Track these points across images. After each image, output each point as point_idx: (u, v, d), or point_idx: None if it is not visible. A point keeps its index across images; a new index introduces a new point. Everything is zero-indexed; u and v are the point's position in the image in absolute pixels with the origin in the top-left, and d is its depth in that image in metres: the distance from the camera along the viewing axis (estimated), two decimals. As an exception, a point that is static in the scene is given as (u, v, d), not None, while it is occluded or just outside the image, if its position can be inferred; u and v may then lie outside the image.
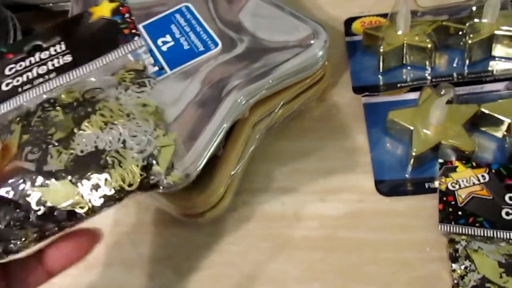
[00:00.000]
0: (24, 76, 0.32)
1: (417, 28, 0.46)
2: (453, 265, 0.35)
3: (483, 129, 0.42)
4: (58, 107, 0.30)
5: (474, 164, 0.39)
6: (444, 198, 0.38)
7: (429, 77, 0.45)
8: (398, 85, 0.45)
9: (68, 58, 0.33)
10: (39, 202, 0.27)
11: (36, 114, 0.30)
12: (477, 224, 0.36)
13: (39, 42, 0.35)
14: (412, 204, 0.40)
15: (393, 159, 0.43)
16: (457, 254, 0.36)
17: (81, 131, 0.29)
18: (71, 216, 0.27)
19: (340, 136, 0.45)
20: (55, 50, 0.33)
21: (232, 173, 0.40)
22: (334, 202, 0.41)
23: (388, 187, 0.41)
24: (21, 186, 0.27)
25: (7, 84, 0.32)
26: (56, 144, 0.28)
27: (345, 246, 0.39)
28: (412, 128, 0.41)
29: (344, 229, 0.40)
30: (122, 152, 0.28)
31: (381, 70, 0.47)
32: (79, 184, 0.27)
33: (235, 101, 0.41)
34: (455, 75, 0.45)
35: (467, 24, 0.45)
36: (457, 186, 0.38)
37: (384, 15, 0.52)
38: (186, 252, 0.41)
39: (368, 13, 0.53)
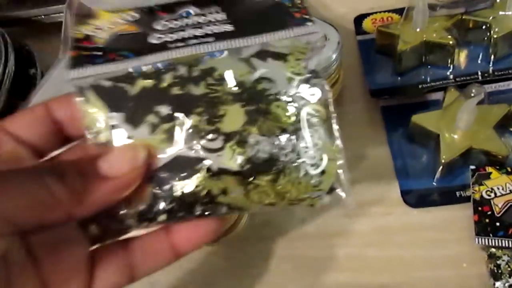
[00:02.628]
0: (178, 34, 0.27)
1: (436, 24, 0.43)
2: (496, 283, 0.32)
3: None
4: (227, 92, 0.25)
5: (509, 169, 0.36)
6: (479, 208, 0.35)
7: (451, 77, 0.42)
8: (420, 86, 0.42)
9: (229, 27, 0.27)
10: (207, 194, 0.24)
11: (198, 85, 0.25)
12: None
13: (193, 8, 0.29)
14: (443, 216, 0.37)
15: (418, 166, 0.40)
16: (500, 271, 0.33)
17: (255, 131, 0.24)
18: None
19: (359, 144, 0.42)
20: (214, 18, 0.28)
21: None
22: (359, 217, 0.39)
23: (416, 197, 0.38)
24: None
25: (158, 38, 0.27)
26: (227, 138, 0.24)
27: (374, 265, 0.36)
28: (438, 132, 0.38)
29: (372, 246, 0.37)
30: (297, 166, 0.24)
31: (399, 71, 0.44)
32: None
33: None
34: (479, 73, 0.42)
35: (491, 18, 0.42)
36: (492, 195, 0.36)
37: (396, 11, 0.49)
38: (203, 278, 0.38)
39: (378, 9, 0.50)
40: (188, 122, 0.24)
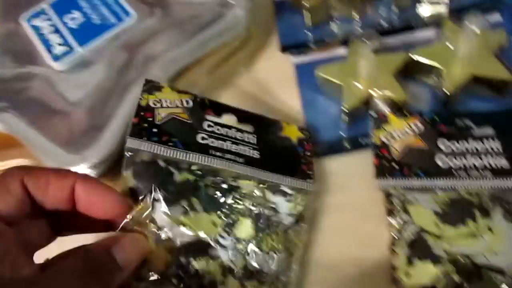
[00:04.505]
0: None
1: (341, -22, 0.44)
2: (391, 220, 0.34)
3: (416, 77, 0.40)
4: (245, 208, 0.33)
5: (406, 114, 0.38)
6: (379, 152, 0.37)
7: (358, 29, 0.43)
8: (326, 39, 0.43)
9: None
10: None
11: (226, 196, 0.33)
12: (412, 175, 0.35)
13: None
14: (349, 163, 0.39)
15: (327, 118, 0.41)
16: (394, 209, 0.34)
17: (256, 245, 0.32)
18: None
19: (272, 100, 0.43)
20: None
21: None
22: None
23: (324, 147, 0.40)
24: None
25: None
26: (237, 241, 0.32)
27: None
28: (341, 83, 0.39)
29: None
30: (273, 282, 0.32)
31: (308, 26, 0.44)
32: None
33: (151, 75, 0.38)
34: (384, 23, 0.43)
35: (391, -31, 0.42)
36: (390, 138, 0.37)
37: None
38: None
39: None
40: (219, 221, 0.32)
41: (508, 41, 0.39)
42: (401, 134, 0.37)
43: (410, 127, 0.37)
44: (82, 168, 0.34)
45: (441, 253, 0.31)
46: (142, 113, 0.33)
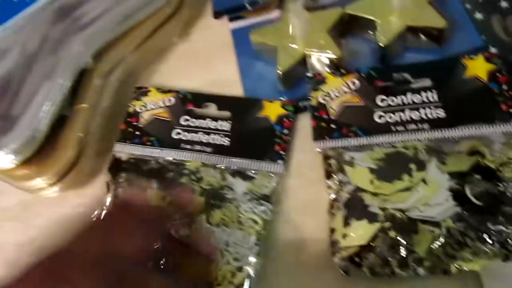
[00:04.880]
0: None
1: None
2: (328, 181, 0.33)
3: (354, 33, 0.39)
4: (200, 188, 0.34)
5: (343, 71, 0.36)
6: (316, 114, 0.35)
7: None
8: (261, 1, 0.41)
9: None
10: None
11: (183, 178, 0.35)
12: (351, 134, 0.33)
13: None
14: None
15: (266, 84, 0.39)
16: (331, 170, 0.33)
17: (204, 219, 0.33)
18: None
19: (211, 69, 0.41)
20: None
21: (80, 134, 0.35)
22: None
23: (264, 114, 0.38)
24: None
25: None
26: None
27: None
28: (276, 45, 0.37)
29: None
30: (224, 253, 0.31)
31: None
32: None
33: (72, 52, 0.36)
34: (318, -20, 0.41)
35: None
36: (328, 98, 0.35)
37: None
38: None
39: None
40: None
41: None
42: (338, 93, 0.35)
43: (347, 85, 0.35)
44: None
45: (377, 210, 0.30)
46: (128, 119, 0.38)
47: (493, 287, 0.28)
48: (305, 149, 0.35)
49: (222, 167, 0.35)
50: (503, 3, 0.37)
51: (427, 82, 0.34)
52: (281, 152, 0.35)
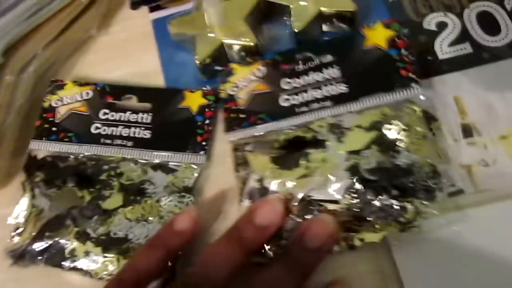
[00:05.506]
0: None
1: None
2: (237, 174, 0.33)
3: (272, 20, 0.39)
4: (119, 183, 0.34)
5: (249, 60, 0.36)
6: (226, 106, 0.35)
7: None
8: (177, -10, 0.41)
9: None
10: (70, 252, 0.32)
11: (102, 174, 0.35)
12: (258, 122, 0.34)
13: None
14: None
15: (188, 74, 0.39)
16: (238, 160, 0.33)
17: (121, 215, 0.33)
18: None
19: (132, 62, 0.40)
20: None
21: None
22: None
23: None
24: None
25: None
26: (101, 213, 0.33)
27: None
28: (194, 34, 0.37)
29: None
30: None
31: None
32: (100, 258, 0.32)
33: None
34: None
35: None
36: (236, 89, 0.35)
37: None
38: None
39: None
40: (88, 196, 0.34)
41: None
42: (246, 82, 0.35)
43: (254, 73, 0.35)
44: None
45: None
46: (44, 115, 0.36)
47: (402, 256, 0.29)
48: (223, 140, 0.35)
49: (143, 161, 0.34)
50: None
51: (328, 58, 0.35)
52: (203, 143, 0.35)
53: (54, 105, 0.37)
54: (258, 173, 0.32)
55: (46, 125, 0.36)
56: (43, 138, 0.35)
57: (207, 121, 0.36)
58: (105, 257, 0.32)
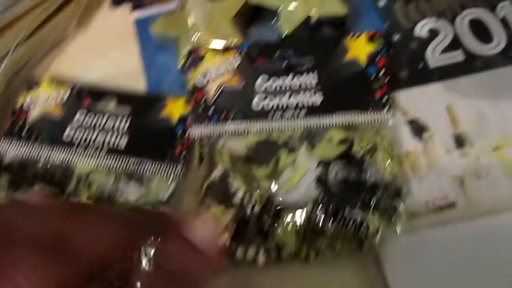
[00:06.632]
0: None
1: None
2: (200, 167, 0.32)
3: (259, 23, 0.37)
4: (89, 194, 0.32)
5: (224, 49, 0.35)
6: (190, 98, 0.34)
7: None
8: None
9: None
10: None
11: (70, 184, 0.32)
12: (228, 119, 0.32)
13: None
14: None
15: (169, 77, 0.37)
16: (202, 155, 0.32)
17: None
18: None
19: (111, 63, 0.39)
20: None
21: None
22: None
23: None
24: None
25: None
26: None
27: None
28: (177, 34, 0.36)
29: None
30: None
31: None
32: None
33: None
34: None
35: None
36: (205, 79, 0.33)
37: None
38: None
39: None
40: None
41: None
42: (217, 72, 0.34)
43: (228, 63, 0.34)
44: None
45: (240, 195, 0.30)
46: (15, 116, 0.34)
47: (392, 267, 0.28)
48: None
49: (117, 170, 0.32)
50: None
51: (309, 61, 0.33)
52: (182, 153, 0.33)
53: (26, 105, 0.34)
54: (223, 168, 0.31)
55: (16, 127, 0.34)
56: (12, 140, 0.33)
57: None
58: None
